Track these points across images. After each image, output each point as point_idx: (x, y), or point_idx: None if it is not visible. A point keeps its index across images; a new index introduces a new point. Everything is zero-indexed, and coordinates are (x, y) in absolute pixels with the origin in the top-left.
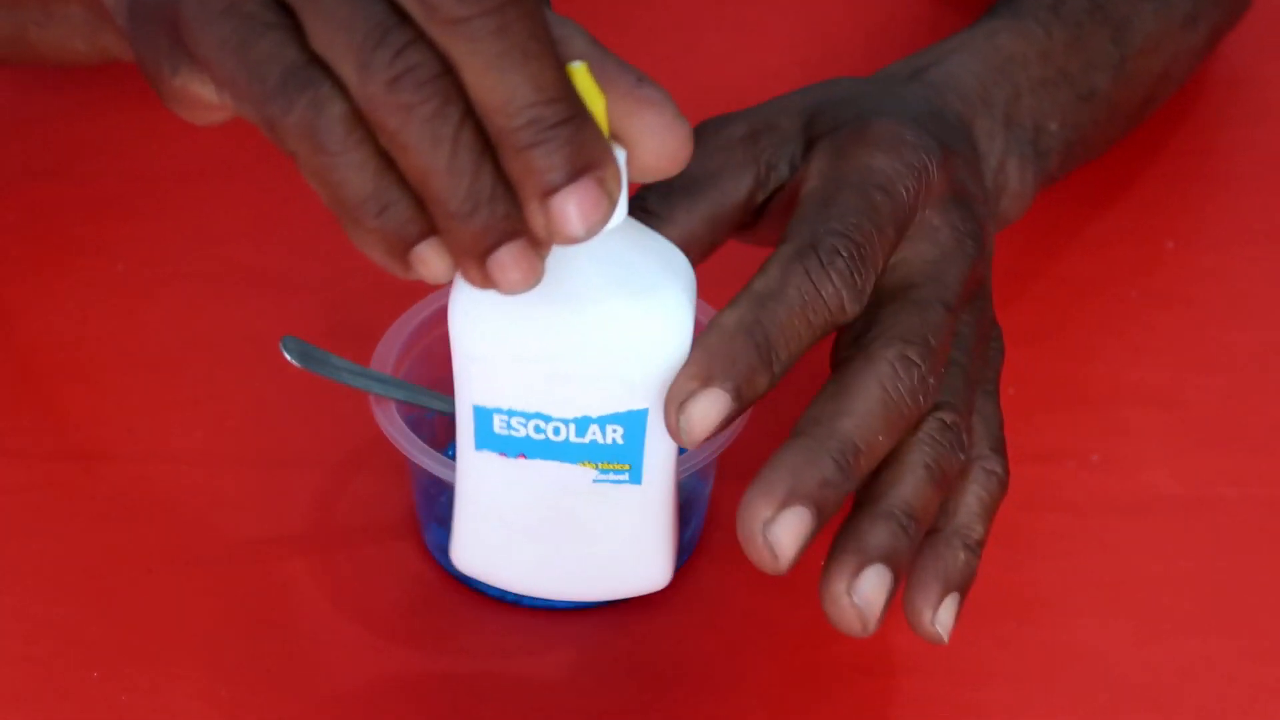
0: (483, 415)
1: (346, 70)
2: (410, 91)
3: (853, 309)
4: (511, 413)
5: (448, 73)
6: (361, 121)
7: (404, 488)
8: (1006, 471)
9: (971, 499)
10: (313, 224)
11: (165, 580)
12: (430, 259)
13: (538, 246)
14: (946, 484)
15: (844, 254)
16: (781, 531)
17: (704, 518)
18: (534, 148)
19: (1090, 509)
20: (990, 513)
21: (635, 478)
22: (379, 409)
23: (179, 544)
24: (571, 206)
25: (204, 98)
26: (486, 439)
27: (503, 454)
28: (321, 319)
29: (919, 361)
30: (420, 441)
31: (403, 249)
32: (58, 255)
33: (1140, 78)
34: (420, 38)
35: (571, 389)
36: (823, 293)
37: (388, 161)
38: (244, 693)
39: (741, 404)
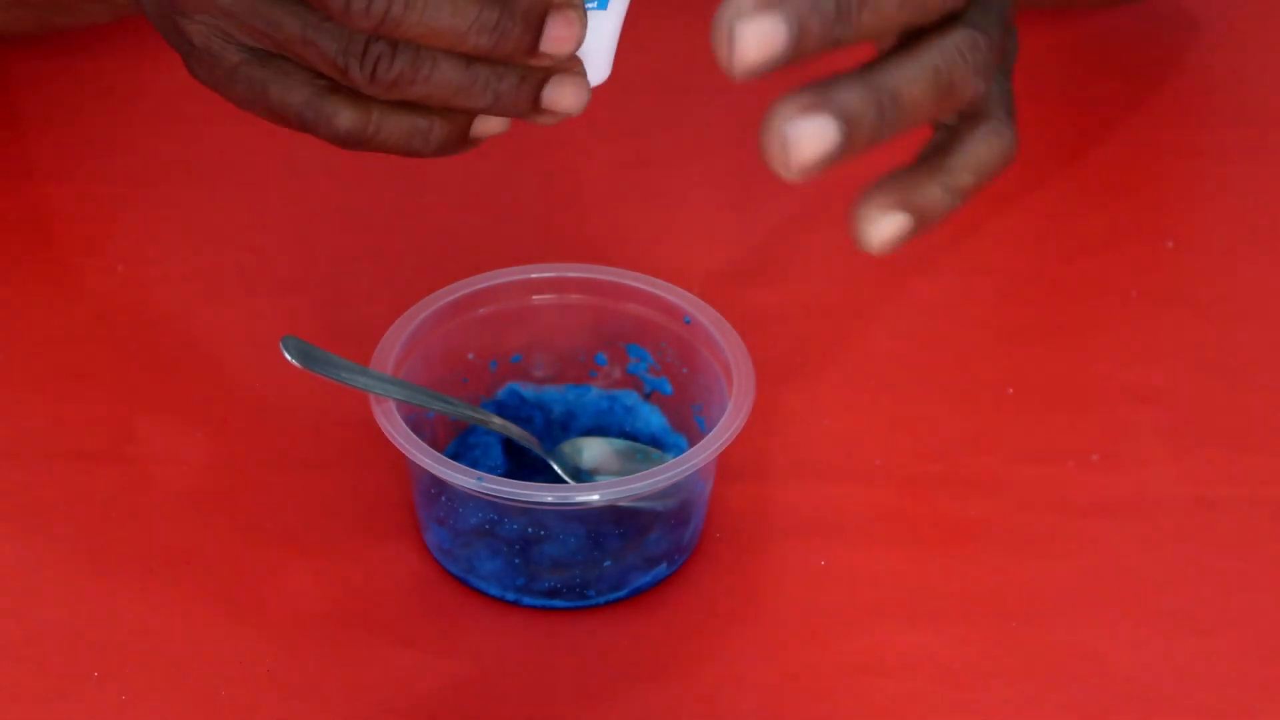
0: None
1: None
2: (386, 74)
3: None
4: None
5: (398, 46)
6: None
7: (404, 488)
8: (1016, 146)
9: (973, 147)
10: (313, 224)
11: (165, 580)
12: (561, 97)
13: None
14: (949, 99)
15: None
16: (747, 28)
17: (704, 518)
18: (499, 44)
19: (1090, 509)
20: (986, 172)
21: (602, 4)
22: (379, 409)
23: (179, 544)
24: (553, 44)
25: None
26: None
27: None
28: (321, 319)
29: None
30: (420, 441)
31: (533, 110)
32: (58, 255)
33: None
34: (374, 39)
35: None
36: None
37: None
38: (244, 692)
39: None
